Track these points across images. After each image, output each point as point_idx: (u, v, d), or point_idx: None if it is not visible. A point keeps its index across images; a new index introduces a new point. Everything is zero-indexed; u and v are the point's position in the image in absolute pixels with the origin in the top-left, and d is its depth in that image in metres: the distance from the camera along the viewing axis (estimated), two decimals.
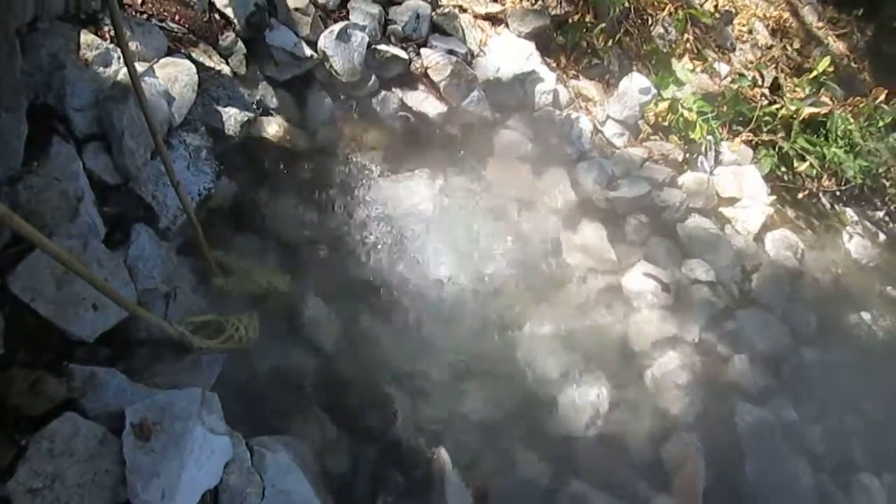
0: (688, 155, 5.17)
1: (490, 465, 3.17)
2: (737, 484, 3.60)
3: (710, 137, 5.27)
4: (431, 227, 3.74)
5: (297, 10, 3.86)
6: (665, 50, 5.69)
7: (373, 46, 4.12)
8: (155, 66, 3.07)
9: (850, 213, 6.05)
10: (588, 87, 5.16)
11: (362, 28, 4.09)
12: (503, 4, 5.04)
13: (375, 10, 4.26)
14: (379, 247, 3.57)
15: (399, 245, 3.61)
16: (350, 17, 4.16)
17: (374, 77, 4.14)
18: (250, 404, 2.86)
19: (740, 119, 5.65)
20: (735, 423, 3.78)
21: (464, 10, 4.81)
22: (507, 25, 4.96)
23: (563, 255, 4.17)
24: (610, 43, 5.27)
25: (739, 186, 5.20)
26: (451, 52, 4.42)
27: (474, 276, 3.75)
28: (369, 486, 2.86)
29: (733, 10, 6.76)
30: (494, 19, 4.95)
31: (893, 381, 4.72)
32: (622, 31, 5.47)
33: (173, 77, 3.11)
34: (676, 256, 4.51)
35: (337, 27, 3.93)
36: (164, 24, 3.30)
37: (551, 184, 4.45)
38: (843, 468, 4.08)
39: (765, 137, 5.60)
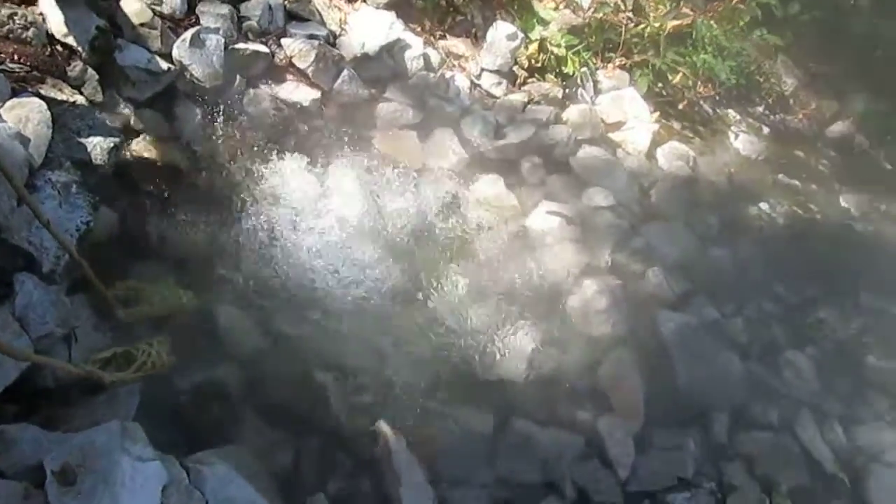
0: (567, 90, 5.27)
1: (433, 426, 3.20)
2: (672, 387, 3.74)
3: (584, 69, 5.39)
4: (328, 213, 3.73)
5: (143, 25, 3.74)
6: None
7: (231, 47, 4.03)
8: (1, 111, 2.94)
9: (731, 113, 6.29)
10: (457, 44, 5.18)
11: (215, 31, 4.00)
12: None
13: (225, 9, 4.17)
14: (280, 243, 3.54)
15: (300, 237, 3.59)
16: (200, 21, 4.06)
17: (238, 77, 4.06)
18: (181, 425, 2.82)
19: (610, 46, 5.77)
20: (660, 332, 3.93)
21: None
22: (363, 0, 4.94)
23: (465, 210, 4.20)
24: None
25: (622, 110, 5.34)
26: (311, 36, 4.37)
27: (382, 251, 3.75)
28: (317, 476, 2.86)
29: None
30: None
31: (799, 261, 4.98)
32: None
33: (24, 118, 2.98)
34: (575, 189, 4.61)
35: (188, 35, 3.83)
36: (2, 67, 3.16)
37: (440, 145, 4.48)
38: (769, 351, 4.29)
39: (637, 58, 5.75)
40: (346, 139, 4.26)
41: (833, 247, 5.31)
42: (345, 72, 4.41)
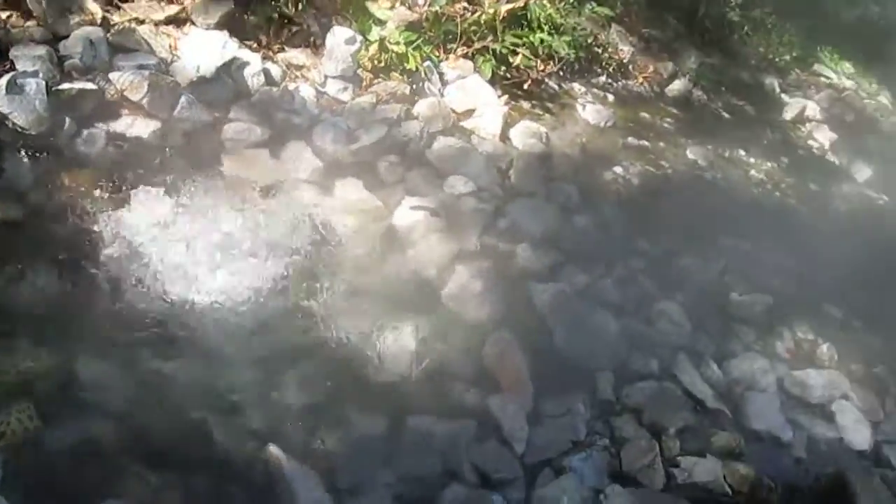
0: (413, 86, 5.32)
1: (327, 439, 3.16)
2: (554, 355, 3.85)
3: (427, 63, 5.45)
4: (183, 242, 3.61)
5: None
6: None
7: (54, 88, 3.85)
8: None
9: (576, 86, 6.53)
10: (297, 55, 5.14)
11: (34, 74, 3.81)
12: (181, 3, 4.87)
13: (42, 50, 3.99)
14: (136, 280, 3.40)
15: (156, 274, 3.45)
16: (16, 66, 3.86)
17: (68, 119, 3.88)
18: (56, 490, 2.67)
19: (451, 37, 5.87)
20: (535, 305, 4.03)
21: (141, 22, 4.60)
22: (192, 23, 4.81)
23: (329, 218, 4.17)
24: (301, 6, 5.25)
25: (470, 97, 5.45)
26: (141, 66, 4.24)
27: (247, 271, 3.67)
28: None
29: None
30: (177, 21, 4.78)
31: (658, 216, 5.25)
32: None
33: None
34: (435, 181, 4.66)
35: (2, 82, 3.63)
36: None
37: (294, 158, 4.42)
38: (641, 305, 4.48)
39: (478, 46, 5.87)
40: (195, 166, 4.14)
41: (687, 197, 5.63)
42: (183, 98, 4.29)
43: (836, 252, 5.69)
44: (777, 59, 9.16)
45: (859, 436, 4.24)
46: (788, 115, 8.05)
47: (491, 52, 5.83)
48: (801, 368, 4.50)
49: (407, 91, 5.23)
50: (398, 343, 3.72)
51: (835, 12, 11.05)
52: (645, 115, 6.67)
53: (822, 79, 9.58)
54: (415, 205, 4.38)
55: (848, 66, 10.15)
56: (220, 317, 3.43)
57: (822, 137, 7.86)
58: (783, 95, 8.46)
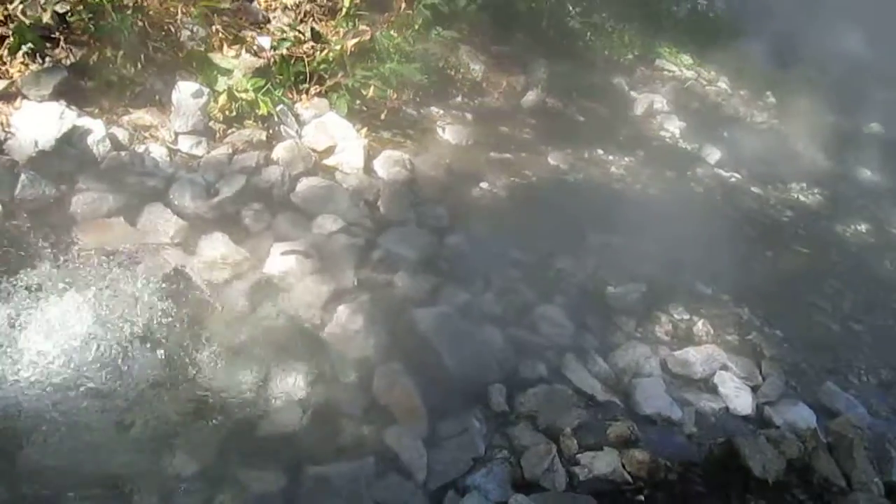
0: (270, 131, 5.28)
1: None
2: (444, 377, 3.87)
3: (280, 107, 5.42)
4: (41, 332, 3.42)
5: None
6: (201, 48, 5.67)
7: None
8: None
9: (434, 109, 6.65)
10: (143, 116, 4.99)
11: None
12: (10, 77, 4.65)
13: None
14: None
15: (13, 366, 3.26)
16: None
17: None
18: None
19: (302, 77, 5.87)
20: (419, 330, 4.04)
21: None
22: (24, 96, 4.60)
23: (198, 277, 4.06)
24: (141, 66, 5.12)
25: (329, 135, 5.45)
26: None
27: (116, 347, 3.52)
28: None
29: None
30: (6, 96, 4.56)
31: (528, 224, 5.39)
32: (149, 49, 5.34)
33: None
34: (303, 223, 4.63)
35: None
36: None
37: (153, 221, 4.28)
38: (524, 313, 4.58)
39: (330, 83, 5.90)
40: (47, 245, 3.95)
41: (553, 202, 5.82)
42: (23, 176, 4.10)
43: (698, 232, 6.02)
44: (621, 60, 9.65)
45: (742, 402, 4.48)
46: (639, 110, 8.47)
47: (344, 87, 5.86)
48: (680, 348, 4.70)
49: (263, 137, 5.17)
50: (286, 392, 3.66)
51: (667, 9, 11.78)
52: (504, 128, 6.86)
53: (665, 72, 10.15)
54: (285, 250, 4.33)
55: (687, 58, 10.79)
56: (90, 403, 3.26)
57: (672, 127, 8.32)
58: (632, 92, 8.91)
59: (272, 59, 5.79)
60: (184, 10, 5.68)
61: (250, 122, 5.25)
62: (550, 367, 4.22)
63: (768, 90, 10.87)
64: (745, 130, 9.26)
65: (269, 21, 6.69)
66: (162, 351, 3.64)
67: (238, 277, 4.15)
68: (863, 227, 7.84)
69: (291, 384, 3.68)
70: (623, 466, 3.69)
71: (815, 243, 7.03)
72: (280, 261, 4.27)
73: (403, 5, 6.82)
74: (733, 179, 7.70)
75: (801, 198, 8.03)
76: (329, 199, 4.81)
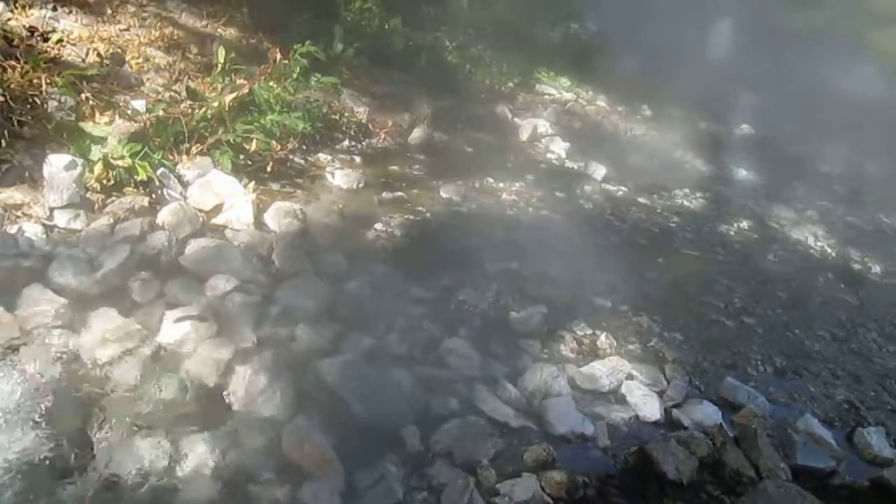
0: (152, 195, 5.13)
1: None
2: (356, 426, 3.82)
3: (161, 170, 5.29)
4: None
5: None
6: (71, 118, 5.48)
7: None
8: None
9: (322, 156, 6.64)
10: (13, 194, 4.76)
11: None
12: None
13: None
14: None
15: None
16: None
17: None
18: None
19: (182, 137, 5.75)
20: (325, 382, 3.98)
21: None
22: None
23: (88, 357, 3.88)
24: (5, 143, 4.90)
25: (215, 193, 5.35)
26: None
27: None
28: None
29: (120, 50, 6.75)
30: None
31: (426, 259, 5.42)
32: (14, 124, 5.12)
33: None
34: (196, 286, 4.49)
35: None
36: None
37: (33, 305, 4.05)
38: (430, 350, 4.58)
39: (211, 140, 5.80)
40: None
41: (449, 235, 5.89)
42: None
43: (592, 248, 6.23)
44: (503, 88, 9.94)
45: (650, 408, 4.62)
46: (524, 135, 8.71)
47: (226, 143, 5.78)
48: (586, 363, 4.81)
49: (146, 203, 5.02)
50: (194, 465, 3.51)
51: (542, 36, 12.22)
52: (394, 167, 6.91)
53: (546, 96, 10.51)
54: (179, 317, 4.19)
55: (565, 81, 11.22)
56: None
57: (558, 148, 8.59)
58: (515, 119, 9.16)
59: (148, 122, 5.66)
60: (48, 81, 5.49)
61: (130, 188, 5.10)
62: (462, 400, 4.23)
63: (644, 104, 11.41)
64: (627, 144, 9.67)
65: (142, 83, 6.55)
66: (56, 439, 3.44)
67: (131, 352, 3.98)
68: (745, 224, 8.29)
69: (199, 455, 3.54)
70: (542, 489, 3.72)
71: (703, 245, 7.38)
72: (174, 328, 4.13)
73: (279, 56, 6.82)
74: (620, 193, 8.00)
75: (686, 203, 8.41)
76: (220, 259, 4.70)
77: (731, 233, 8.00)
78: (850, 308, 7.03)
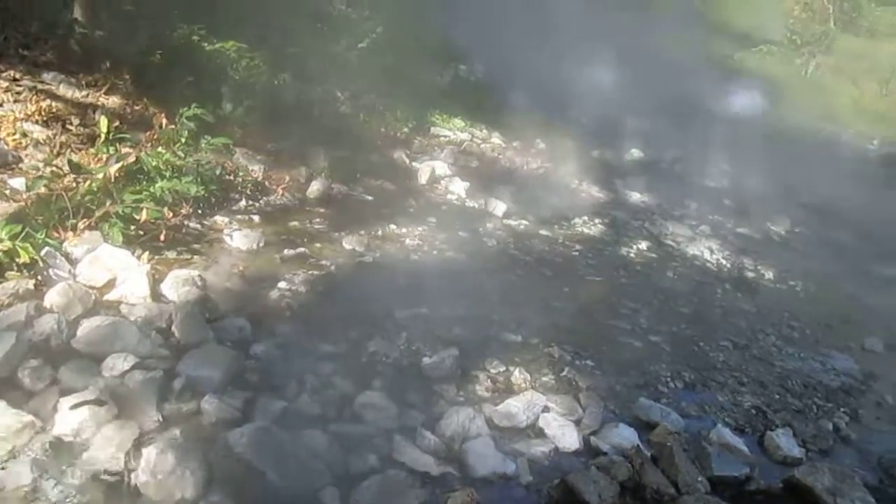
0: (38, 277, 4.89)
1: None
2: (272, 496, 3.70)
3: (46, 249, 5.06)
4: None
5: None
6: None
7: None
8: None
9: (219, 219, 6.50)
10: None
11: None
12: None
13: None
14: None
15: None
16: None
17: None
18: None
19: (67, 213, 5.53)
20: (237, 452, 3.85)
21: None
22: None
23: None
24: None
25: (107, 268, 5.15)
26: None
27: None
28: None
29: None
30: None
31: (334, 312, 5.37)
32: None
33: None
34: (91, 368, 4.28)
35: None
36: None
37: None
38: (344, 406, 4.49)
39: (100, 214, 5.60)
40: None
41: (355, 286, 5.85)
42: None
43: (498, 284, 6.32)
44: (398, 134, 10.05)
45: (569, 438, 4.66)
46: (423, 179, 8.80)
47: (115, 215, 5.59)
48: (502, 401, 4.83)
49: (30, 286, 4.78)
50: None
51: (431, 81, 12.46)
52: (294, 223, 6.84)
53: (442, 138, 10.68)
54: (75, 403, 3.97)
55: (459, 122, 11.45)
56: None
57: (457, 189, 8.71)
58: (413, 163, 9.26)
59: (29, 201, 5.42)
60: None
61: (13, 272, 4.84)
62: (381, 454, 4.16)
63: (537, 137, 11.74)
64: (524, 178, 9.91)
65: (20, 160, 6.29)
66: None
67: (25, 446, 3.74)
68: (643, 245, 8.58)
69: None
70: None
71: (605, 270, 7.59)
72: (71, 416, 3.91)
73: (165, 122, 6.69)
74: (522, 226, 8.16)
75: (586, 230, 8.66)
76: (116, 337, 4.51)
77: (632, 255, 8.26)
78: (748, 316, 7.34)
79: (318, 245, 6.46)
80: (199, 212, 6.46)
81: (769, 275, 8.65)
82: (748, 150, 14.53)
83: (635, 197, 10.50)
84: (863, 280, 9.40)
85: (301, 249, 6.28)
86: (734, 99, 19.23)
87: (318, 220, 7.02)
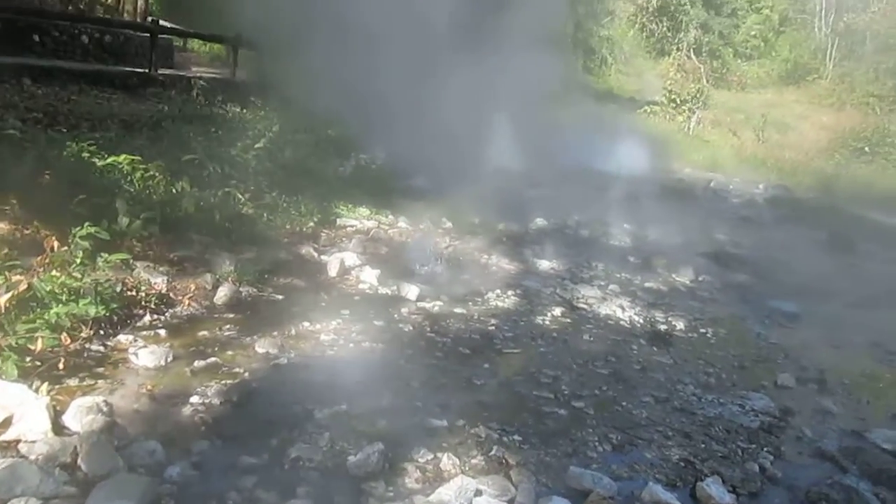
0: None
1: None
2: None
3: None
4: None
5: None
6: None
7: None
8: None
9: (122, 338, 6.24)
10: None
11: None
12: None
13: None
14: None
15: None
16: None
17: None
18: None
19: None
20: None
21: None
22: None
23: None
24: None
25: (1, 406, 4.85)
26: None
27: None
28: None
29: None
30: None
31: (250, 423, 5.19)
32: None
33: None
34: None
35: None
36: None
37: None
38: None
39: None
40: None
41: (272, 391, 5.70)
42: None
43: (416, 369, 6.29)
44: (304, 229, 10.03)
45: None
46: (332, 271, 8.76)
47: (7, 348, 5.31)
48: (433, 490, 4.73)
49: None
50: None
51: (333, 172, 12.61)
52: (203, 332, 6.65)
53: (349, 228, 10.72)
54: None
55: (364, 210, 11.55)
56: None
57: (369, 277, 8.70)
58: (322, 257, 9.22)
59: None
60: None
61: None
62: None
63: (442, 217, 11.94)
64: (435, 258, 9.99)
65: None
66: None
67: None
68: (557, 312, 8.73)
69: None
70: None
71: (523, 341, 7.66)
72: None
73: (57, 244, 6.47)
74: (436, 308, 8.19)
75: (500, 303, 8.76)
76: (16, 480, 4.20)
77: (547, 322, 8.38)
78: (665, 368, 7.52)
79: (230, 352, 6.28)
80: (102, 333, 6.20)
81: (680, 325, 8.91)
82: (646, 206, 15.22)
83: (544, 264, 10.73)
84: (766, 318, 9.83)
85: (212, 359, 6.09)
86: (626, 159, 20.21)
87: (228, 326, 6.85)
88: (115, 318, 6.47)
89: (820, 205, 21.36)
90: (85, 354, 5.86)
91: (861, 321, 10.14)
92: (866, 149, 34.71)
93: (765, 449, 6.00)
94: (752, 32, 51.43)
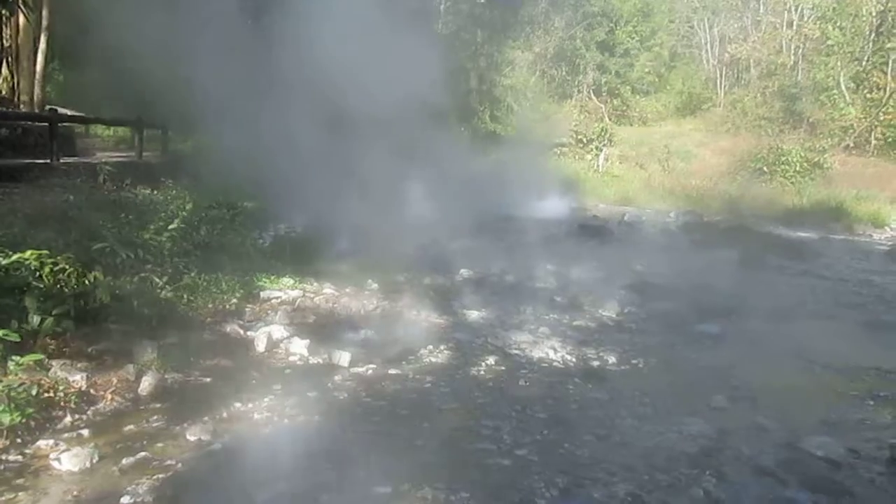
0: None
1: None
2: None
3: None
4: None
5: None
6: None
7: None
8: None
9: (42, 444, 5.95)
10: None
11: None
12: None
13: None
14: None
15: None
16: None
17: None
18: None
19: None
20: None
21: None
22: None
23: None
24: None
25: None
26: None
27: None
28: None
29: None
30: None
31: None
32: None
33: None
34: None
35: None
36: None
37: None
38: None
39: None
40: None
41: (208, 479, 5.51)
42: None
43: (354, 439, 6.20)
44: (227, 306, 9.82)
45: None
46: (260, 346, 8.58)
47: None
48: None
49: None
50: None
51: (252, 245, 12.45)
52: (130, 427, 6.38)
53: (273, 300, 10.56)
54: None
55: (287, 280, 11.41)
56: None
57: (298, 348, 8.56)
58: (248, 333, 9.03)
59: None
60: None
61: None
62: None
63: (368, 278, 11.92)
64: (364, 322, 9.94)
65: None
66: None
67: None
68: (491, 361, 8.78)
69: None
70: None
71: (460, 394, 7.65)
72: None
73: None
74: (370, 372, 8.11)
75: (433, 359, 8.74)
76: None
77: (482, 373, 8.41)
78: (602, 404, 7.62)
79: (159, 445, 6.04)
80: (19, 441, 5.88)
81: (612, 359, 9.08)
82: (565, 246, 15.58)
83: (474, 314, 10.81)
84: (693, 342, 10.12)
85: (142, 454, 5.83)
86: (541, 202, 20.70)
87: (155, 417, 6.59)
88: (33, 423, 6.15)
89: (729, 226, 22.35)
90: (2, 466, 5.53)
91: (780, 334, 10.58)
92: (764, 168, 36.73)
93: (707, 472, 6.11)
94: (646, 69, 54.22)
